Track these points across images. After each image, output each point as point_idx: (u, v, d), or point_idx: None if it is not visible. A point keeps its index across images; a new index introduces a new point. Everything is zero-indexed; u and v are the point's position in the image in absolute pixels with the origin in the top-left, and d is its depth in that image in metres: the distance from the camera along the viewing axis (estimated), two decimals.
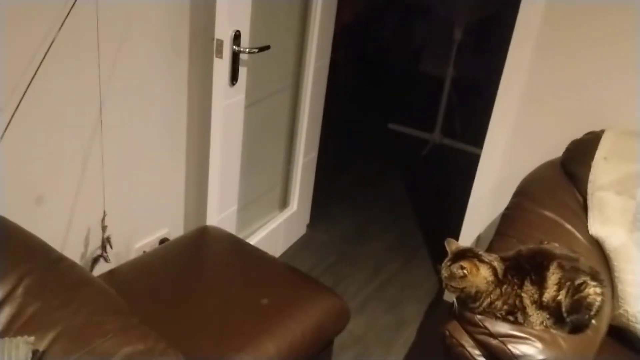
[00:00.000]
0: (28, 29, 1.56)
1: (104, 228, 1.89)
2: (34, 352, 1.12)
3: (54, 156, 1.78)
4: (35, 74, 1.57)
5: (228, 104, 1.93)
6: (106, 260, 1.94)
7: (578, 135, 1.96)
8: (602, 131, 1.92)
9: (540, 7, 2.06)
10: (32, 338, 1.13)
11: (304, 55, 2.46)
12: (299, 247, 2.83)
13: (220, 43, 1.84)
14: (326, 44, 2.53)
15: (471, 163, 2.44)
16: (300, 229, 2.89)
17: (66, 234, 1.90)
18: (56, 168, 1.80)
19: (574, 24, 2.04)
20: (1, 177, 1.56)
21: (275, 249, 2.66)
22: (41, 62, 1.57)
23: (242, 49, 1.87)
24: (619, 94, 2.02)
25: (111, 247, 1.93)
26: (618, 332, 1.61)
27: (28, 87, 1.56)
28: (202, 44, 2.08)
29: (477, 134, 2.52)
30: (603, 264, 1.63)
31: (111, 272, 1.80)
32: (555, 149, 1.97)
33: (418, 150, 3.98)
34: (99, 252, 1.95)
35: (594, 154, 1.83)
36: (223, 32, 1.82)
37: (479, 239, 2.39)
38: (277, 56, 2.24)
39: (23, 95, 1.56)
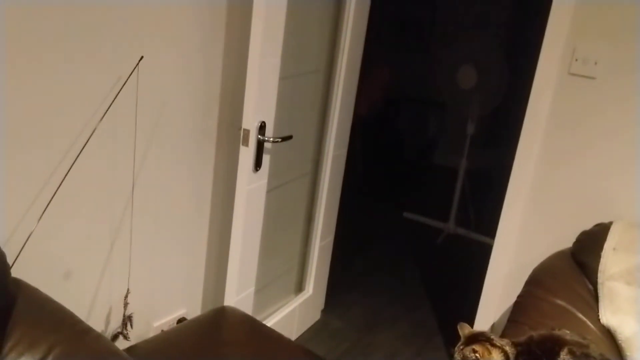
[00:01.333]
0: (69, 118, 1.71)
1: (125, 305, 1.95)
2: None
3: (84, 235, 1.88)
4: (76, 158, 1.69)
5: (251, 188, 2.04)
6: (126, 337, 1.98)
7: (587, 226, 2.01)
8: (611, 223, 1.98)
9: (546, 105, 2.19)
10: None
11: (323, 144, 2.60)
12: (313, 332, 2.84)
13: (246, 132, 1.97)
14: (344, 135, 2.68)
15: (484, 252, 2.49)
16: (315, 314, 2.91)
17: (90, 309, 1.97)
18: (85, 246, 1.89)
19: (579, 119, 2.15)
20: (36, 251, 1.65)
21: (290, 334, 2.67)
22: (83, 148, 1.70)
23: (266, 138, 2.00)
24: (625, 186, 2.10)
25: (131, 326, 1.98)
26: None
27: (69, 170, 1.68)
28: (228, 131, 2.22)
29: (490, 224, 2.59)
30: (615, 353, 1.64)
31: (130, 350, 1.83)
32: (565, 239, 2.02)
33: (433, 238, 4.04)
34: (119, 329, 2.00)
35: (603, 244, 1.88)
36: (250, 122, 1.96)
37: (493, 328, 2.40)
38: (298, 145, 2.38)
39: (64, 178, 1.68)
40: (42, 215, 1.64)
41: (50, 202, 1.65)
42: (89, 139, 1.71)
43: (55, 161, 1.69)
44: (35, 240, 1.63)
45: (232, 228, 2.07)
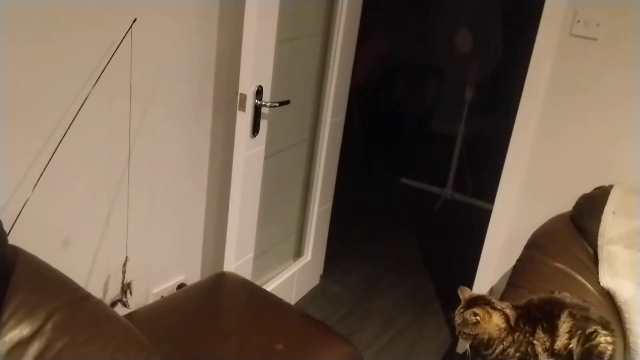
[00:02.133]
0: (64, 83, 1.67)
1: (124, 273, 1.94)
2: None
3: (82, 202, 1.86)
4: (70, 124, 1.67)
5: (249, 154, 2.02)
6: (125, 305, 1.98)
7: (587, 189, 2.01)
8: (611, 186, 1.97)
9: (547, 68, 2.16)
10: None
11: (321, 110, 2.57)
12: (312, 297, 2.86)
13: (243, 97, 1.94)
14: (342, 101, 2.65)
15: (482, 218, 2.49)
16: (313, 279, 2.93)
17: (88, 277, 1.96)
18: (82, 214, 1.88)
19: (580, 82, 2.13)
20: (33, 218, 1.63)
21: (289, 298, 2.69)
22: (77, 114, 1.67)
23: (263, 103, 1.97)
24: (626, 150, 2.09)
25: (131, 293, 1.98)
26: None
27: (63, 136, 1.66)
28: (225, 97, 2.19)
29: (488, 189, 2.58)
30: (614, 316, 1.65)
31: (130, 315, 1.83)
32: (565, 203, 2.02)
33: (430, 204, 4.04)
34: (118, 297, 2.00)
35: (603, 208, 1.88)
36: (246, 87, 1.92)
37: (491, 291, 2.42)
38: (295, 111, 2.35)
39: (58, 145, 1.65)
40: (37, 182, 1.62)
41: (45, 169, 1.63)
42: (82, 105, 1.68)
43: (50, 128, 1.66)
44: (32, 208, 1.61)
45: (230, 194, 2.05)
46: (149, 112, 1.96)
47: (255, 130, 1.99)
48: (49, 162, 1.63)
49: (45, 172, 1.63)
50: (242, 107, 1.95)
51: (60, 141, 1.65)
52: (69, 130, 1.66)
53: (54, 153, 1.64)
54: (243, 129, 1.97)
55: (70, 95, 1.68)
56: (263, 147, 2.09)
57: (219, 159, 2.28)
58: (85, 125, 1.73)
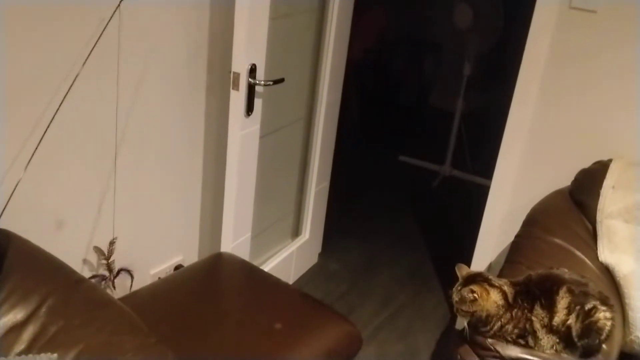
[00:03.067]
0: (53, 63, 1.64)
1: (111, 252, 1.93)
2: None
3: (75, 184, 1.84)
4: (60, 104, 1.64)
5: (244, 134, 1.99)
6: (112, 284, 1.96)
7: (586, 164, 1.99)
8: (610, 160, 1.95)
9: (546, 41, 2.12)
10: (55, 355, 1.17)
11: (317, 88, 2.53)
12: (310, 275, 2.86)
13: (236, 76, 1.91)
14: (338, 78, 2.61)
15: (481, 194, 2.47)
16: (312, 258, 2.92)
17: (83, 260, 1.95)
18: (77, 195, 1.86)
19: (579, 56, 2.10)
20: (25, 201, 1.61)
21: (288, 277, 2.68)
22: (66, 94, 1.64)
23: (257, 82, 1.94)
24: (625, 124, 2.06)
25: (113, 275, 1.96)
26: (629, 359, 1.62)
27: (52, 119, 1.63)
28: (219, 76, 2.16)
29: (486, 165, 2.56)
30: (613, 291, 1.65)
31: (127, 297, 1.83)
32: (563, 178, 2.00)
33: (428, 181, 4.02)
34: (105, 274, 1.97)
35: (602, 182, 1.87)
36: (240, 65, 1.89)
37: (490, 268, 2.41)
38: (291, 89, 2.31)
39: (47, 127, 1.62)
40: (28, 163, 1.59)
41: (36, 150, 1.60)
42: (71, 85, 1.65)
43: (40, 109, 1.63)
44: (24, 191, 1.59)
45: (226, 174, 2.03)
46: (142, 91, 1.93)
47: (249, 109, 1.96)
48: (39, 144, 1.61)
49: (36, 154, 1.61)
50: (236, 86, 1.92)
51: (51, 121, 1.63)
52: (59, 110, 1.63)
53: (44, 134, 1.61)
54: (237, 108, 1.94)
55: (60, 75, 1.65)
56: (258, 126, 2.06)
57: (215, 138, 2.25)
58: (76, 106, 1.70)
